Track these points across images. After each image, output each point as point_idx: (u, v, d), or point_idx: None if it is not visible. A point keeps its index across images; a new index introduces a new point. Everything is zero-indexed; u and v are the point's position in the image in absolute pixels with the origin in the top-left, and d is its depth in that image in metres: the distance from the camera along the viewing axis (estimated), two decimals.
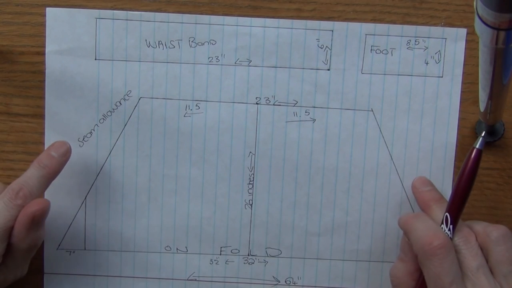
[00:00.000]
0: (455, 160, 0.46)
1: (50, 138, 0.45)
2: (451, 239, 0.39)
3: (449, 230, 0.39)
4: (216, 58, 0.45)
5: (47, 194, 0.46)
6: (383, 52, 0.45)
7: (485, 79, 0.34)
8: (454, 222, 0.39)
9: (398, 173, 0.46)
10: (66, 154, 0.43)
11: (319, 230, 0.46)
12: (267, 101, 0.46)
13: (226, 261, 0.47)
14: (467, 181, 0.40)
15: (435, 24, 0.45)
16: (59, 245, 0.47)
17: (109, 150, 0.46)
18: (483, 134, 0.40)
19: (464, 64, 0.45)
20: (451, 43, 0.45)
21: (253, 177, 0.46)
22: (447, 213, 0.40)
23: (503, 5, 0.25)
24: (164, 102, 0.46)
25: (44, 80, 0.45)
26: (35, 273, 0.47)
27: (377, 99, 0.45)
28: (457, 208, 0.40)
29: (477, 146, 0.40)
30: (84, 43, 0.45)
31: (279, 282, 0.47)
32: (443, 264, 0.37)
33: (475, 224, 0.41)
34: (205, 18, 0.45)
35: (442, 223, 0.40)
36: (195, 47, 0.45)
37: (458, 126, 0.45)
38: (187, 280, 0.47)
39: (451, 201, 0.40)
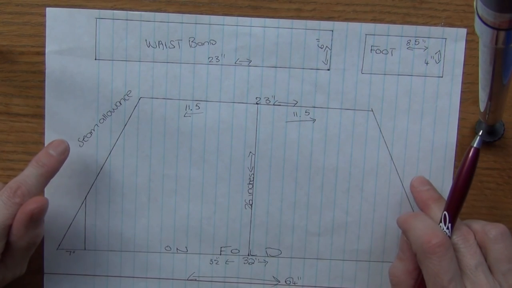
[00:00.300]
0: (455, 160, 0.46)
1: (50, 138, 0.45)
2: (450, 237, 0.39)
3: (447, 228, 0.39)
4: (216, 58, 0.45)
5: (47, 194, 0.46)
6: (383, 52, 0.45)
7: (485, 79, 0.34)
8: (453, 221, 0.40)
9: (398, 173, 0.46)
10: (64, 153, 0.43)
11: (319, 230, 0.46)
12: (267, 101, 0.46)
13: (226, 261, 0.47)
14: (465, 180, 0.40)
15: (435, 24, 0.45)
16: (59, 245, 0.47)
17: (109, 150, 0.46)
18: (480, 133, 0.40)
19: (464, 64, 0.45)
20: (451, 43, 0.45)
21: (253, 177, 0.46)
22: (445, 212, 0.40)
23: (503, 5, 0.25)
24: (164, 102, 0.46)
25: (44, 80, 0.45)
26: (35, 273, 0.47)
27: (377, 99, 0.45)
28: (455, 207, 0.40)
29: (474, 145, 0.40)
30: (84, 43, 0.45)
31: (279, 282, 0.47)
32: (441, 262, 0.37)
33: (473, 223, 0.41)
34: (205, 18, 0.45)
35: (441, 221, 0.40)
36: (195, 47, 0.45)
37: (458, 126, 0.45)
38: (187, 280, 0.47)
39: (449, 199, 0.40)
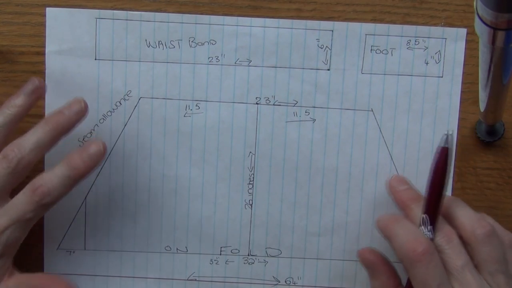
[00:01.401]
0: (455, 160, 0.46)
1: None
2: (432, 239, 0.39)
3: (428, 231, 0.39)
4: (216, 58, 0.45)
5: None
6: (383, 52, 0.45)
7: (485, 79, 0.34)
8: (433, 223, 0.39)
9: (398, 173, 0.46)
10: (98, 159, 0.40)
11: (319, 230, 0.46)
12: (267, 101, 0.46)
13: (226, 261, 0.47)
14: (439, 181, 0.39)
15: (435, 24, 0.45)
16: (59, 245, 0.47)
17: (109, 150, 0.46)
18: (447, 132, 0.39)
19: (464, 64, 0.45)
20: (451, 43, 0.45)
21: (253, 177, 0.46)
22: (424, 215, 0.39)
23: (503, 5, 0.25)
24: (164, 102, 0.46)
25: (44, 80, 0.45)
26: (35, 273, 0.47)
27: (377, 99, 0.45)
28: (434, 209, 0.39)
29: (442, 145, 0.39)
30: (84, 43, 0.45)
31: (279, 282, 0.47)
32: (428, 269, 0.37)
33: (460, 216, 0.40)
34: (205, 18, 0.45)
35: (421, 225, 0.39)
36: (195, 47, 0.45)
37: (458, 126, 0.45)
38: (187, 280, 0.47)
39: (427, 202, 0.40)
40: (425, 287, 0.37)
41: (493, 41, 0.28)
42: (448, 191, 0.45)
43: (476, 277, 0.37)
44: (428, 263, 0.37)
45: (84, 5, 0.45)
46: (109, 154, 0.46)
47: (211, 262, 0.47)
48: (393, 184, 0.44)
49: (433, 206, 0.39)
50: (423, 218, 0.39)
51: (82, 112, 0.42)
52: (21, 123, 0.46)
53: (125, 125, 0.46)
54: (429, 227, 0.39)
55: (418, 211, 0.41)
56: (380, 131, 0.46)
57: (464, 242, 0.39)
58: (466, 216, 0.40)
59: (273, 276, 0.47)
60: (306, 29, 0.45)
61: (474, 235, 0.39)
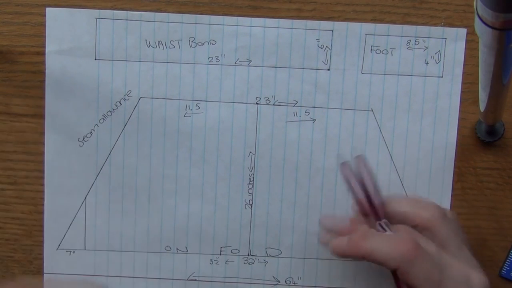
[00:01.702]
0: (455, 160, 0.46)
1: (50, 138, 0.45)
2: None
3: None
4: (216, 58, 0.45)
5: (48, 194, 0.46)
6: (383, 52, 0.45)
7: (485, 79, 0.34)
8: (388, 225, 0.40)
9: (398, 173, 0.46)
10: None
11: (319, 230, 0.46)
12: (267, 101, 0.46)
13: (226, 261, 0.47)
14: (365, 188, 0.40)
15: (435, 24, 0.45)
16: (59, 245, 0.47)
17: (109, 150, 0.46)
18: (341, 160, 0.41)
19: (464, 64, 0.45)
20: (451, 43, 0.45)
21: (253, 177, 0.46)
22: (381, 221, 0.40)
23: (503, 5, 0.25)
24: (164, 102, 0.46)
25: (44, 80, 0.45)
26: (35, 273, 0.47)
27: (377, 99, 0.45)
28: (381, 212, 0.40)
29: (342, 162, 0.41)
30: (84, 43, 0.45)
31: (279, 282, 0.47)
32: (427, 261, 0.37)
33: (409, 208, 0.40)
34: (205, 18, 0.45)
35: (384, 231, 0.40)
36: (195, 47, 0.45)
37: (458, 126, 0.45)
38: (187, 280, 0.47)
39: (373, 211, 0.40)
40: (430, 279, 0.37)
41: (493, 41, 0.28)
42: (448, 191, 0.45)
43: (450, 255, 0.38)
44: (424, 255, 0.37)
45: (84, 5, 0.45)
46: (109, 154, 0.46)
47: (211, 262, 0.47)
48: (327, 223, 0.43)
49: (380, 210, 0.40)
50: (380, 225, 0.40)
51: None
52: (21, 123, 0.46)
53: (125, 125, 0.46)
54: (390, 229, 0.39)
55: (365, 227, 0.40)
56: (380, 131, 0.46)
57: (422, 229, 0.39)
58: (415, 206, 0.40)
59: (273, 276, 0.47)
60: (306, 29, 0.45)
61: (434, 219, 0.39)
